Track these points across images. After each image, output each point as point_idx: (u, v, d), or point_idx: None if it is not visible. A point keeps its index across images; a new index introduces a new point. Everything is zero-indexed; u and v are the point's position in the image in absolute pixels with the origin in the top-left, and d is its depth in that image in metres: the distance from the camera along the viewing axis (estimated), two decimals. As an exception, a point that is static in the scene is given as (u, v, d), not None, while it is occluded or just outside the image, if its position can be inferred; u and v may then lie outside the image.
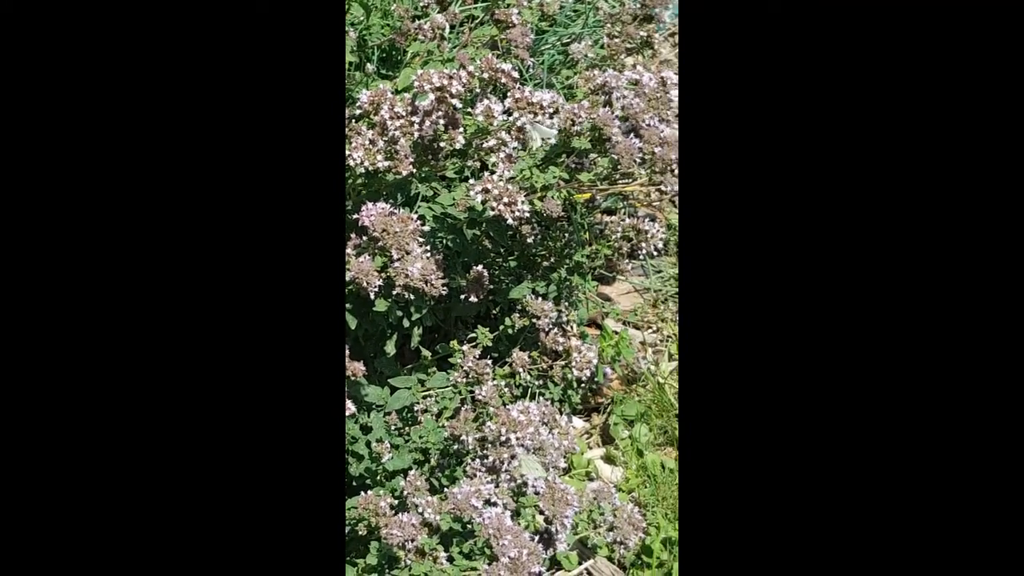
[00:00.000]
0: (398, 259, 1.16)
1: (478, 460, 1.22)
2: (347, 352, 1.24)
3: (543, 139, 1.24)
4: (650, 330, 1.92)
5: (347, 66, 1.64)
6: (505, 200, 1.21)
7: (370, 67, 1.70)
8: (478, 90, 1.26)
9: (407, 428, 1.32)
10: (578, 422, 1.77)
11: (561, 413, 1.59)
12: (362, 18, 1.66)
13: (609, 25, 1.84)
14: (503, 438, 1.19)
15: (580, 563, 1.56)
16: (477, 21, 1.69)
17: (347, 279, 1.16)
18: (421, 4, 1.70)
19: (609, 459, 1.70)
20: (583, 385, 1.72)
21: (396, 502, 1.19)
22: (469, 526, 1.17)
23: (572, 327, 1.54)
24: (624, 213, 1.64)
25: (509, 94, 1.23)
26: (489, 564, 1.08)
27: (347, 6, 1.61)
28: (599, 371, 1.70)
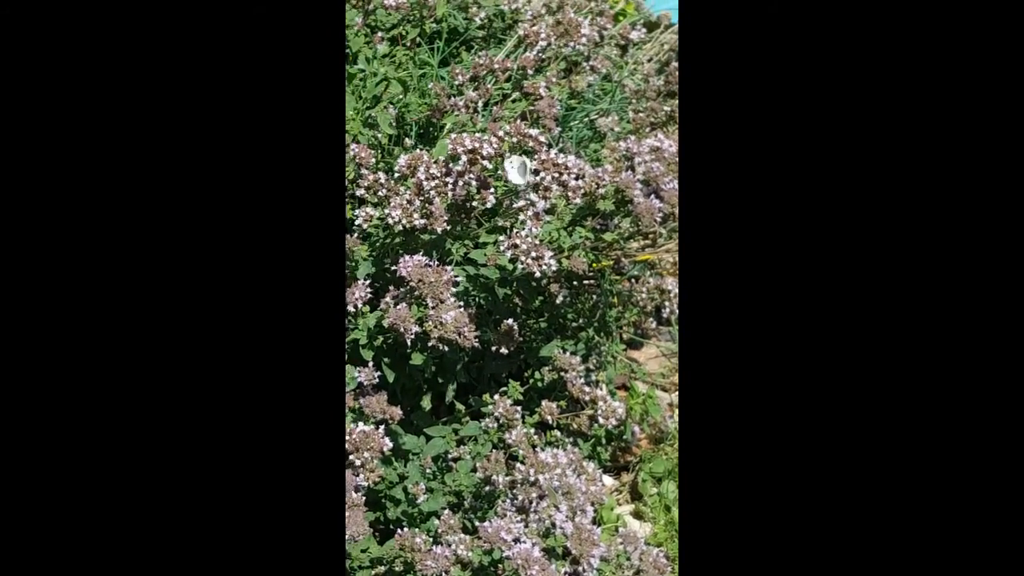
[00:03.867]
0: (433, 307, 1.24)
1: (508, 501, 1.29)
2: (385, 400, 1.32)
3: (519, 177, 1.32)
4: (677, 392, 1.98)
5: (387, 140, 1.74)
6: (533, 255, 1.29)
7: (408, 141, 1.81)
8: (508, 153, 1.36)
9: (442, 474, 1.39)
10: (608, 480, 1.83)
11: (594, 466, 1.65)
12: (401, 96, 1.76)
13: (635, 101, 1.95)
14: (531, 479, 1.26)
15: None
16: (508, 97, 1.79)
17: (386, 325, 1.24)
18: (456, 83, 1.81)
19: (638, 515, 1.76)
20: (612, 442, 1.78)
21: (431, 540, 1.25)
22: (500, 564, 1.23)
23: (601, 386, 1.61)
24: (649, 276, 1.72)
25: (536, 157, 1.32)
26: (518, 593, 1.14)
27: (387, 84, 1.72)
28: (627, 428, 1.77)
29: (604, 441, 1.76)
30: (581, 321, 1.71)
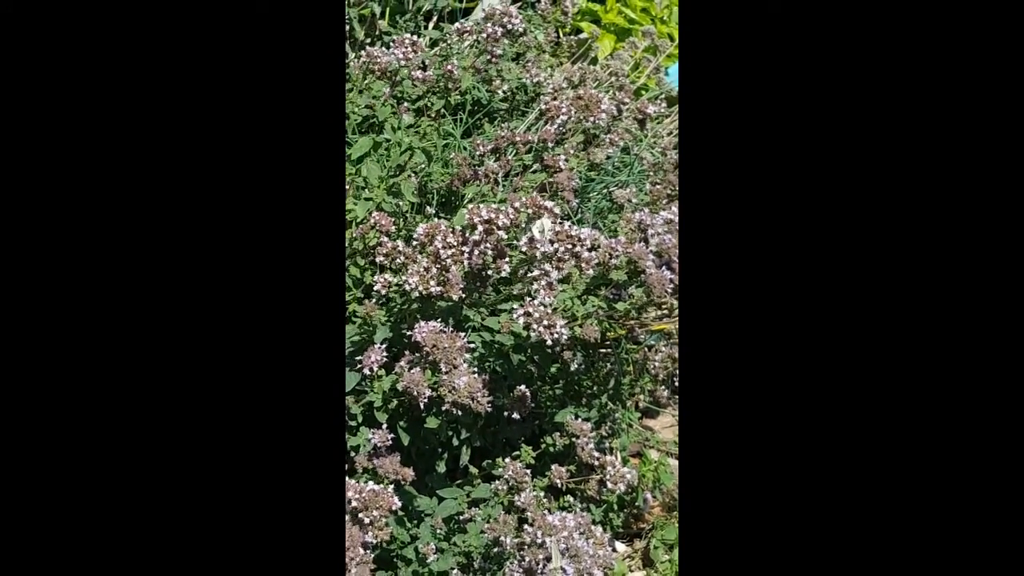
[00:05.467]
0: (446, 372, 1.28)
1: (516, 563, 1.31)
2: (397, 461, 1.35)
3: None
4: (690, 460, 2.01)
5: (409, 207, 1.79)
6: (545, 323, 1.33)
7: (430, 209, 1.86)
8: (524, 225, 1.40)
9: (453, 535, 1.43)
10: (620, 546, 1.85)
11: (604, 531, 1.68)
12: (424, 165, 1.82)
13: (652, 174, 1.99)
14: (539, 541, 1.29)
15: None
16: (529, 168, 1.85)
17: (400, 388, 1.28)
18: (478, 153, 1.87)
19: (649, 581, 1.78)
20: (624, 509, 1.81)
21: (440, 600, 1.28)
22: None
23: (616, 453, 1.64)
24: (662, 345, 1.76)
25: (551, 228, 1.37)
26: (521, 652, 1.16)
27: (411, 154, 1.77)
28: (639, 495, 1.79)
29: (616, 507, 1.78)
30: (595, 389, 1.75)
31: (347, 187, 1.66)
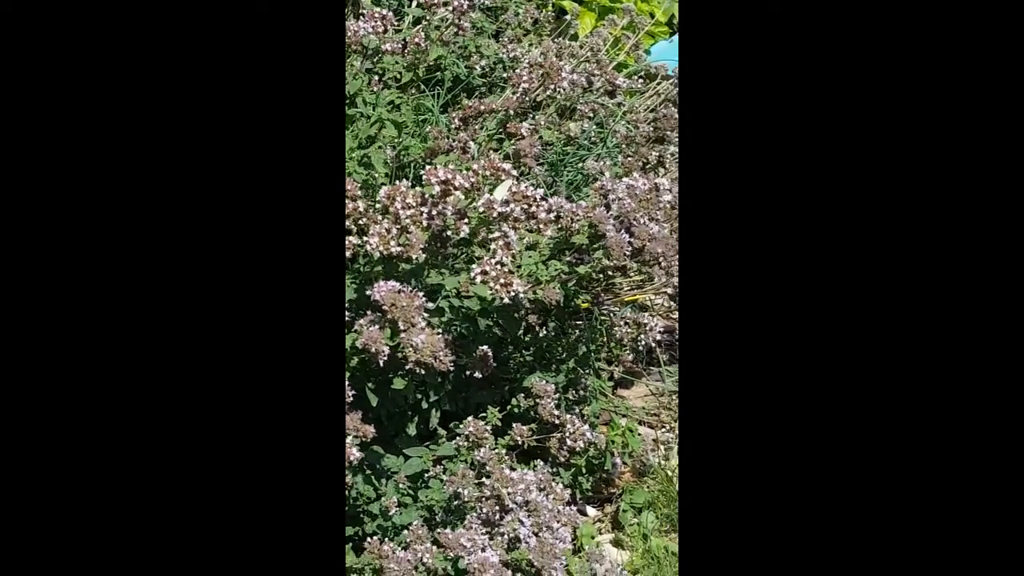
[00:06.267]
0: (404, 330, 1.31)
1: (475, 515, 1.35)
2: (359, 418, 1.38)
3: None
4: (663, 429, 2.04)
5: (385, 180, 1.82)
6: (502, 281, 1.37)
7: (406, 182, 1.89)
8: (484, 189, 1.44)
9: (418, 491, 1.46)
10: (591, 511, 1.89)
11: (575, 500, 1.71)
12: (396, 137, 1.85)
13: (625, 146, 2.03)
14: (496, 493, 1.32)
15: (585, 636, 1.66)
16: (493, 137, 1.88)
17: (359, 346, 1.31)
18: (453, 126, 1.90)
19: (617, 543, 1.81)
20: (594, 473, 1.84)
21: (401, 548, 1.31)
22: (464, 573, 1.29)
23: (583, 418, 1.68)
24: (628, 311, 1.79)
25: (508, 189, 1.40)
26: (473, 597, 1.20)
27: (380, 126, 1.81)
28: (607, 459, 1.83)
29: (585, 472, 1.81)
30: (564, 355, 1.78)
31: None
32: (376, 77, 1.93)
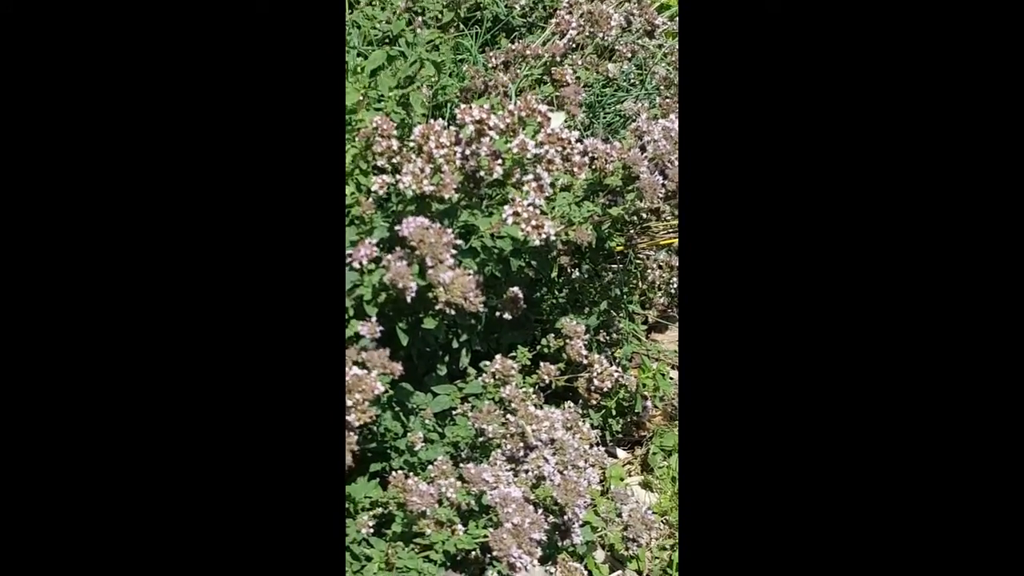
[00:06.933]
0: (432, 267, 1.32)
1: (500, 451, 1.37)
2: (387, 355, 1.40)
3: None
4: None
5: (422, 119, 1.83)
6: (533, 223, 1.37)
7: (441, 121, 1.89)
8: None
9: (444, 428, 1.48)
10: (621, 453, 1.90)
11: (605, 441, 1.73)
12: (435, 77, 1.85)
13: (663, 88, 2.01)
14: (520, 430, 1.34)
15: (611, 575, 1.68)
16: (540, 82, 1.87)
17: (387, 281, 1.33)
18: (490, 66, 1.90)
19: (646, 485, 1.83)
20: (624, 416, 1.85)
21: (426, 483, 1.33)
22: (487, 508, 1.31)
23: (614, 359, 1.68)
24: (662, 254, 1.79)
25: (541, 130, 1.40)
26: (495, 529, 1.22)
27: (420, 65, 1.81)
28: (638, 402, 1.84)
29: (615, 414, 1.82)
30: (596, 297, 1.78)
31: (363, 99, 1.70)
32: (417, 16, 1.93)
